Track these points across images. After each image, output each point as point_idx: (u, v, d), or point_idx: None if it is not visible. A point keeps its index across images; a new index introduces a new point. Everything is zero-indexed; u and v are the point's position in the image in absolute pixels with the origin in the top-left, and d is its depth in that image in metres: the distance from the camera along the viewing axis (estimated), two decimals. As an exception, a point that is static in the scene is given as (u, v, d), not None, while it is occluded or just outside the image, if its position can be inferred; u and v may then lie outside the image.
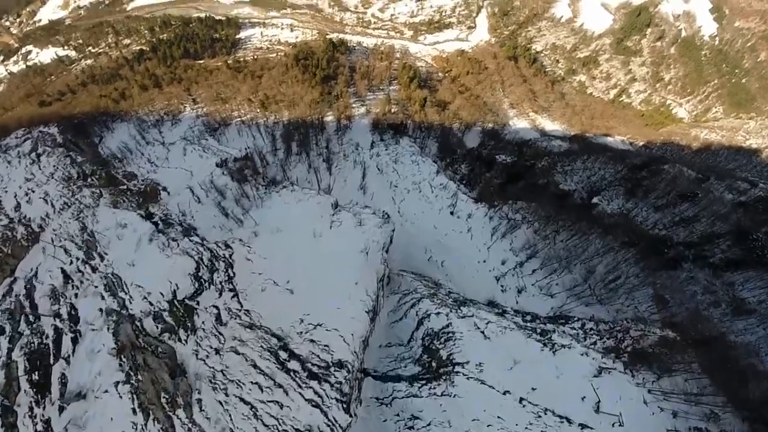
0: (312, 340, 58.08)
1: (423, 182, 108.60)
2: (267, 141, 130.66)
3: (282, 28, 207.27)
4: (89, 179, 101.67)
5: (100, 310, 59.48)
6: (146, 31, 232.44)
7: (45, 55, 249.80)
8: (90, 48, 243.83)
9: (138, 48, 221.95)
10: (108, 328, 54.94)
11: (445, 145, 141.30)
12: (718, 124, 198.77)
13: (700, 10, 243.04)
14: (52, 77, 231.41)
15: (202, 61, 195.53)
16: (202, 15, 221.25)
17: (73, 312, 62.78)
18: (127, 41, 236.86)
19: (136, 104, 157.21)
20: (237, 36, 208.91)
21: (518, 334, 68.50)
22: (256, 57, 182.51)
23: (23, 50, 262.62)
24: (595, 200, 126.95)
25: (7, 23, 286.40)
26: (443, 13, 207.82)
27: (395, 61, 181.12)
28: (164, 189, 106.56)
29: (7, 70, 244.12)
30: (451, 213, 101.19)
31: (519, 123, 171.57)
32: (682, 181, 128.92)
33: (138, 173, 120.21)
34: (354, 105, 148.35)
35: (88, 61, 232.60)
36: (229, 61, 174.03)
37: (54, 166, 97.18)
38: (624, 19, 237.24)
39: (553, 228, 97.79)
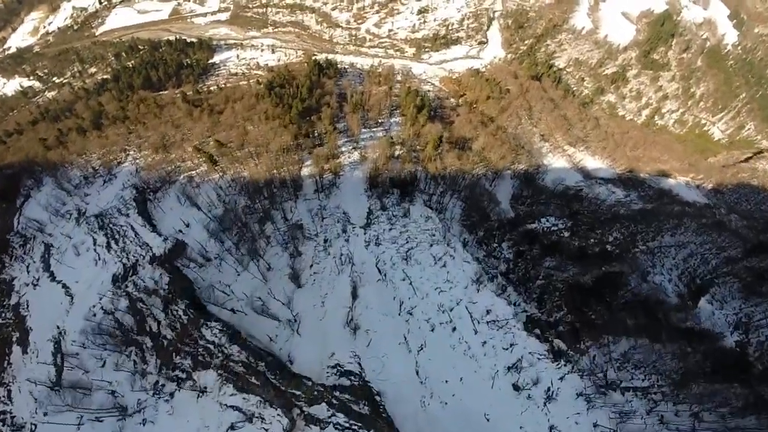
0: None
1: (457, 307, 54.05)
2: (214, 215, 76.09)
3: (262, 50, 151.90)
4: None
5: None
6: (112, 58, 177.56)
7: (10, 86, 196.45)
8: (55, 78, 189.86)
9: (102, 77, 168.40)
10: None
11: (472, 205, 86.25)
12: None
13: (720, 17, 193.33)
14: (15, 111, 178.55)
15: (166, 92, 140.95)
16: (173, 38, 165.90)
17: None
18: (93, 69, 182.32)
19: (71, 152, 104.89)
20: (210, 60, 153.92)
21: None
22: (221, 86, 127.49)
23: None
24: (702, 303, 72.63)
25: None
26: (450, 27, 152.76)
27: (396, 85, 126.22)
28: (23, 340, 54.96)
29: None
30: (516, 388, 46.36)
31: (555, 161, 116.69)
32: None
33: (15, 284, 71.01)
34: (343, 149, 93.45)
35: (51, 93, 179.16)
36: (187, 93, 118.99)
37: None
38: (648, 29, 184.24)
39: (693, 416, 43.55)
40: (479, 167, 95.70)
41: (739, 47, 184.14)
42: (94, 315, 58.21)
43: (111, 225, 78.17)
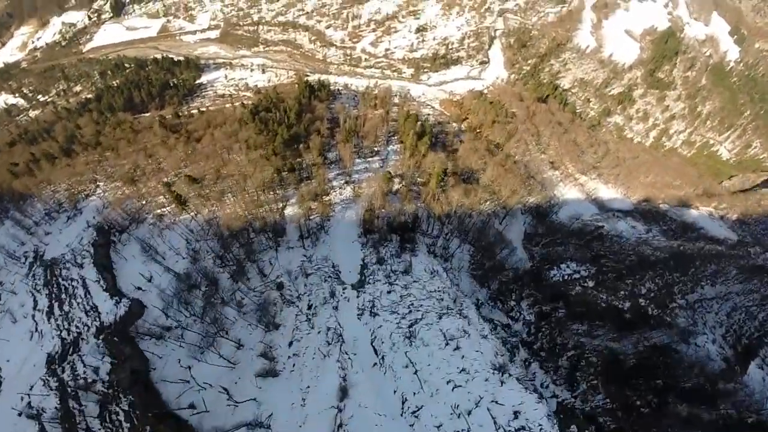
0: None
1: (477, 410, 40.10)
2: (180, 269, 62.24)
3: (252, 70, 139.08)
4: None
5: None
6: (97, 76, 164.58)
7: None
8: (40, 96, 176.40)
9: (86, 97, 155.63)
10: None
11: (481, 249, 72.79)
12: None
13: (721, 33, 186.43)
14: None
15: (147, 114, 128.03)
16: (160, 56, 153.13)
17: None
18: (78, 88, 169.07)
19: (39, 181, 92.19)
20: (198, 81, 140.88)
21: None
22: (207, 108, 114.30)
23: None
24: (751, 368, 59.17)
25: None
26: (449, 47, 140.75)
27: (393, 109, 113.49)
28: None
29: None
30: None
31: (568, 192, 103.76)
32: None
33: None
34: (334, 183, 79.88)
35: (35, 112, 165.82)
36: (167, 116, 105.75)
37: None
38: (652, 47, 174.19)
39: None
40: (488, 203, 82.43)
41: (741, 63, 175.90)
42: (19, 415, 44.10)
43: (60, 279, 64.20)
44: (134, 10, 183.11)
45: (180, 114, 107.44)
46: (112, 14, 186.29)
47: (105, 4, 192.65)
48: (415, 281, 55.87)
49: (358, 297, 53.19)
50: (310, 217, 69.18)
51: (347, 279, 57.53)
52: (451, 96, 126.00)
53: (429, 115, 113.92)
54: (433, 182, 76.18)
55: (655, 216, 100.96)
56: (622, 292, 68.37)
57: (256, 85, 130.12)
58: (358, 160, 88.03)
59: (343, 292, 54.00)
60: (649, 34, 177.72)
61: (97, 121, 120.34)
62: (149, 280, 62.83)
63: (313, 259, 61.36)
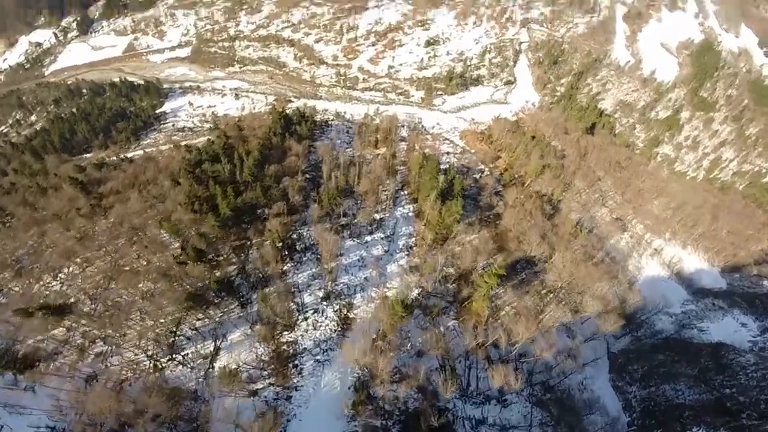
0: None
1: None
2: None
3: (223, 95, 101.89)
4: None
5: None
6: (52, 104, 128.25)
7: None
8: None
9: (35, 129, 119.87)
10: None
11: (561, 417, 35.15)
12: None
13: (752, 45, 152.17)
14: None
15: (89, 155, 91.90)
16: (117, 80, 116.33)
17: None
18: (33, 117, 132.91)
19: None
20: (159, 109, 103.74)
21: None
22: (136, 154, 77.49)
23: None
24: None
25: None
26: (467, 63, 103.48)
27: (401, 145, 76.49)
28: None
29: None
30: None
31: (646, 266, 66.31)
32: None
33: None
34: (306, 300, 42.40)
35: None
36: (84, 165, 68.85)
37: None
38: (690, 62, 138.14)
39: None
40: (557, 313, 44.96)
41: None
42: None
43: None
44: (102, 27, 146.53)
45: (103, 164, 69.94)
46: (78, 32, 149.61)
47: (73, 21, 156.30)
48: None
49: None
50: (257, 392, 32.00)
51: None
52: (473, 125, 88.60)
53: (449, 153, 76.52)
54: (480, 302, 38.79)
55: (763, 302, 63.67)
56: None
57: (228, 115, 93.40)
58: (349, 243, 50.82)
59: None
60: (686, 47, 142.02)
61: (17, 168, 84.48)
62: None
63: None
